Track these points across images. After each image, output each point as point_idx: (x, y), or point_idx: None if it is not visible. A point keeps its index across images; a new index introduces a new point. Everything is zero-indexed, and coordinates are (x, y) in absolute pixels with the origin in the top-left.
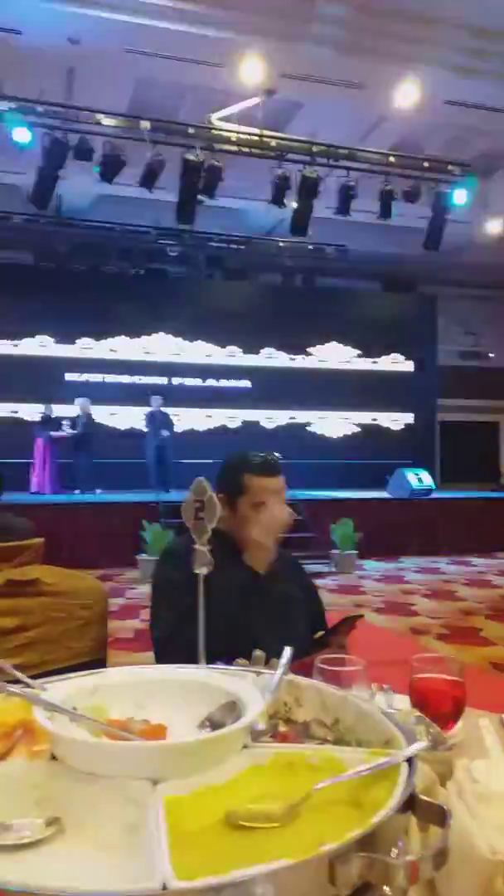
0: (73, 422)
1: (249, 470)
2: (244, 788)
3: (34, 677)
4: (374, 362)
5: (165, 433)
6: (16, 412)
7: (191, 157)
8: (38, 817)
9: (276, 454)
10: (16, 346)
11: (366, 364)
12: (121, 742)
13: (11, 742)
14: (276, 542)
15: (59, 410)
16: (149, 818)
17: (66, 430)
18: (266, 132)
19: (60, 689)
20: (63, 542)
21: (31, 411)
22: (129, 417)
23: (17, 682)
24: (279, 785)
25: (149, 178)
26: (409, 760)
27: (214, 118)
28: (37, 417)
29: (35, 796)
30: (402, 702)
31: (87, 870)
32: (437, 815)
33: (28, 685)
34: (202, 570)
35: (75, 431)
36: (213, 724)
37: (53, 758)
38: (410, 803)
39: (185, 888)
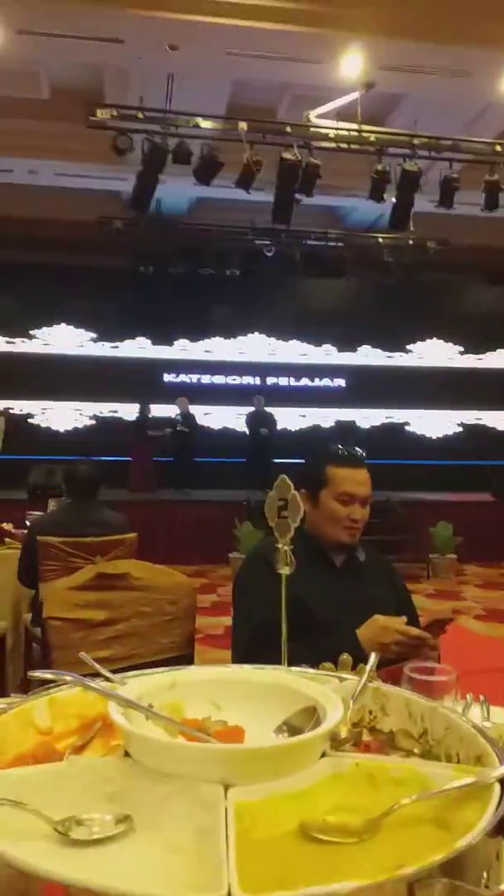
0: (174, 421)
1: (333, 461)
2: (320, 799)
3: (122, 670)
4: (479, 359)
5: (264, 432)
6: (115, 412)
7: (288, 156)
8: (109, 813)
9: (359, 450)
10: (116, 347)
11: (470, 361)
12: (192, 743)
13: (90, 735)
14: (352, 537)
15: (156, 410)
16: (218, 823)
17: (166, 430)
18: (365, 127)
19: (139, 684)
20: (158, 539)
21: (129, 411)
22: (223, 417)
23: (98, 675)
24: (358, 798)
25: (246, 179)
26: (503, 780)
27: (312, 115)
28: (134, 417)
29: (107, 791)
30: (501, 715)
31: (152, 872)
32: None
33: (108, 679)
34: (284, 571)
35: (175, 429)
36: (291, 729)
37: (128, 754)
38: (502, 827)
39: None
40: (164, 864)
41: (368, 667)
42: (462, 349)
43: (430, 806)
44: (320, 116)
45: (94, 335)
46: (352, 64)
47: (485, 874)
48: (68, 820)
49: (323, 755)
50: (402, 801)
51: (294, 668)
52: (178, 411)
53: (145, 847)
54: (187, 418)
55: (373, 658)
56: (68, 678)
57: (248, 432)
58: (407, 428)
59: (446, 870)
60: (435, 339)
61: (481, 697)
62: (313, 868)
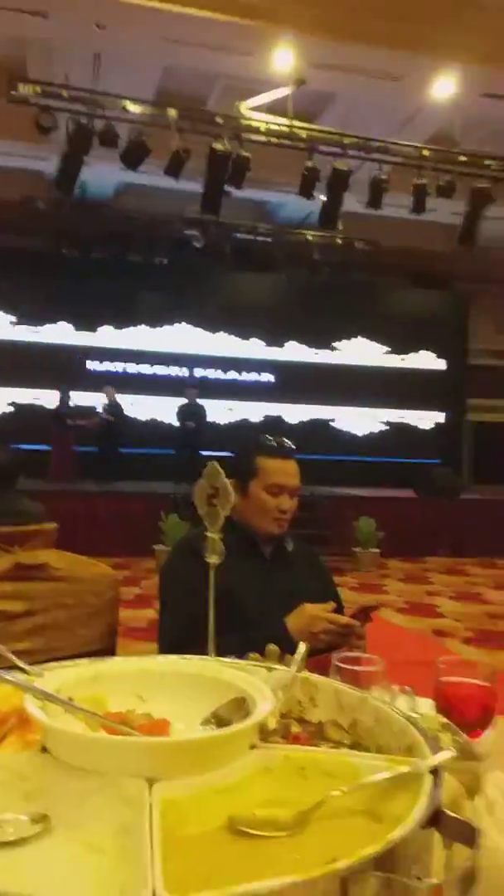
0: (100, 410)
1: (263, 452)
2: (250, 792)
3: (41, 663)
4: (403, 359)
5: (190, 425)
6: (37, 399)
7: (218, 146)
8: (24, 812)
9: (289, 441)
10: (37, 332)
11: (394, 361)
12: (114, 736)
13: (4, 730)
14: (280, 528)
15: (78, 398)
16: (142, 820)
17: (89, 420)
18: (296, 123)
19: (58, 676)
20: (80, 530)
21: (51, 398)
22: (149, 408)
23: (14, 667)
24: (289, 790)
25: (175, 167)
26: (434, 770)
27: (243, 108)
28: (56, 404)
29: (23, 789)
30: (426, 705)
31: (72, 874)
32: (465, 833)
33: (24, 671)
34: (213, 560)
35: (97, 420)
36: (219, 720)
37: (46, 749)
38: (434, 818)
39: None
40: (83, 866)
41: (298, 656)
42: (388, 349)
43: (361, 798)
44: (252, 109)
45: (13, 318)
46: (283, 58)
47: (415, 869)
48: None
49: (252, 748)
50: (332, 793)
51: (222, 659)
52: (104, 400)
53: (64, 848)
54: (114, 407)
55: (302, 648)
56: None
57: (177, 424)
58: (332, 424)
59: (378, 863)
60: (361, 338)
61: (407, 688)
62: (242, 864)
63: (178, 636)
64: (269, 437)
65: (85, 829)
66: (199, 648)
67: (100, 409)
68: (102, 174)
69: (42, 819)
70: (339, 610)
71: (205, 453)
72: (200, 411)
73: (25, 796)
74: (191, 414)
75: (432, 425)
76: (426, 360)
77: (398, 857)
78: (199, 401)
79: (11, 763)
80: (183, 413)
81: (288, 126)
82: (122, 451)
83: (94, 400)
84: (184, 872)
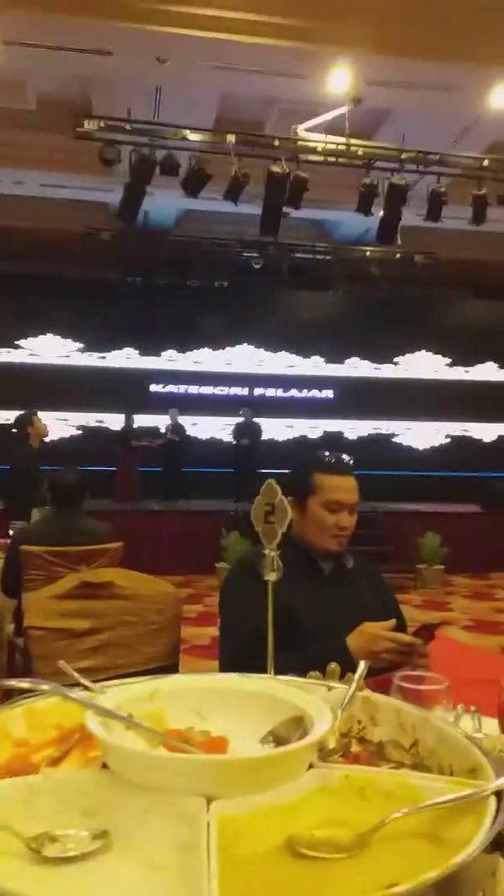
0: (164, 431)
1: (320, 469)
2: (308, 812)
3: (105, 680)
4: (466, 371)
5: (244, 442)
6: (101, 422)
7: (276, 169)
8: (85, 828)
9: (347, 457)
10: (103, 358)
11: (457, 373)
12: (173, 754)
13: (67, 746)
14: (340, 544)
15: (142, 420)
16: (200, 838)
17: (152, 440)
18: (353, 141)
19: (118, 693)
20: (144, 549)
21: (116, 421)
22: (210, 427)
23: (78, 684)
24: (348, 811)
25: (234, 192)
26: (499, 793)
27: (300, 129)
28: (121, 427)
29: (84, 806)
30: (491, 726)
31: (130, 890)
32: None
33: (87, 688)
34: (271, 577)
35: (161, 441)
36: (277, 739)
37: (106, 766)
38: (499, 842)
39: None
40: (142, 882)
41: (357, 675)
42: (449, 361)
43: (422, 820)
44: (308, 130)
45: (81, 345)
46: (339, 79)
47: (480, 893)
48: (42, 836)
49: (310, 767)
50: (392, 815)
51: (281, 677)
52: (168, 421)
53: (123, 864)
54: (177, 428)
55: (362, 666)
56: (45, 687)
57: (234, 443)
58: (394, 439)
59: (440, 888)
60: (422, 351)
61: (472, 708)
62: (301, 886)
63: (239, 654)
64: (327, 454)
65: (144, 846)
66: (259, 666)
67: (163, 430)
68: (164, 202)
69: (102, 835)
70: (403, 628)
71: (265, 471)
72: (255, 429)
73: (86, 812)
74: (245, 432)
75: (496, 437)
76: (489, 372)
77: (461, 882)
78: (259, 419)
79: (72, 779)
80: (238, 431)
81: (345, 144)
82: (184, 471)
83: (158, 421)
84: (241, 892)
